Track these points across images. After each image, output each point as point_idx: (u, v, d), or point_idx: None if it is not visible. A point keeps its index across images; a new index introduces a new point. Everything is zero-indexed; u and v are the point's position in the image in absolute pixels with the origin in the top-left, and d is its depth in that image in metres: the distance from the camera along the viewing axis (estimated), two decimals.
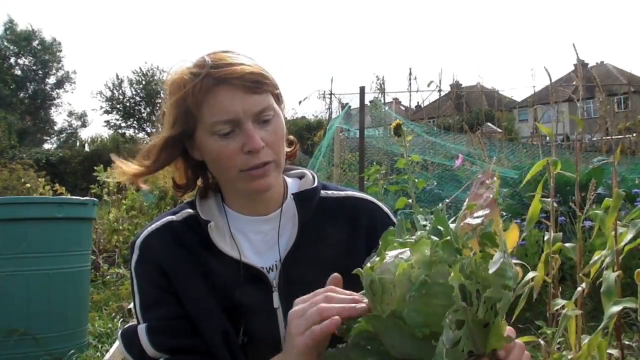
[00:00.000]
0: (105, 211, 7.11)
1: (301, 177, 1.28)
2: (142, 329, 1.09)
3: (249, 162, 1.08)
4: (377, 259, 0.77)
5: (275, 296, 1.14)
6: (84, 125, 43.64)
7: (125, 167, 1.17)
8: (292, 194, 1.20)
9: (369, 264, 0.79)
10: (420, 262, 0.74)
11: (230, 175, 1.12)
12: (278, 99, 1.15)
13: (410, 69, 24.77)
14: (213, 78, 1.06)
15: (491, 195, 0.78)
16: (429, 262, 0.74)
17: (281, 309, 1.13)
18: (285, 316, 1.13)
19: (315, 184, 1.23)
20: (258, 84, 1.08)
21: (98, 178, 6.98)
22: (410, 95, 27.45)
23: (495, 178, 0.80)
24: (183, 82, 1.09)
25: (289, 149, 1.25)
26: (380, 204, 1.26)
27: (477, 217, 0.77)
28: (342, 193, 1.25)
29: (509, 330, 0.80)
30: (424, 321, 0.71)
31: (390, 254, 0.78)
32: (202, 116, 1.08)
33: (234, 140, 1.08)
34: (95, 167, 6.93)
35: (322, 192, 1.23)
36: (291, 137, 1.26)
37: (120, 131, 38.60)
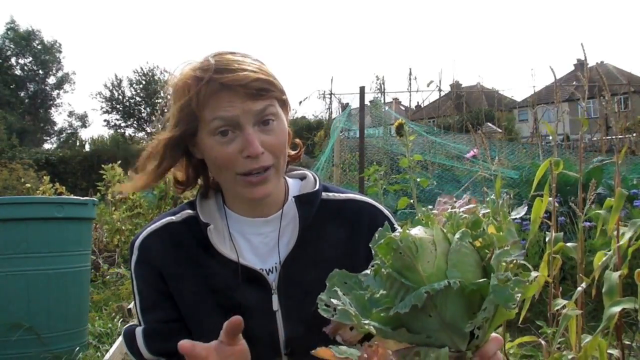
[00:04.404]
0: (107, 211, 7.12)
1: (302, 178, 1.27)
2: (139, 331, 1.13)
3: (247, 166, 1.08)
4: (398, 233, 0.77)
5: (275, 298, 1.14)
6: (84, 125, 43.69)
7: (133, 184, 1.18)
8: (294, 196, 1.19)
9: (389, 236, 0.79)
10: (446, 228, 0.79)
11: (228, 178, 1.11)
12: (284, 104, 1.14)
13: (410, 69, 24.73)
14: (217, 83, 1.05)
15: (467, 198, 0.83)
16: (454, 230, 0.78)
17: (280, 311, 1.13)
18: (284, 318, 1.13)
19: (317, 186, 1.22)
20: (262, 91, 1.07)
21: (104, 177, 7.00)
22: (410, 95, 27.43)
23: (454, 199, 0.85)
24: (187, 86, 1.09)
25: (293, 152, 1.24)
26: (381, 207, 1.25)
27: (470, 206, 0.81)
28: (343, 195, 1.25)
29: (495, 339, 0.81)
30: (460, 277, 0.73)
31: (410, 228, 0.79)
32: (204, 118, 1.08)
33: (233, 142, 1.07)
34: (103, 166, 6.98)
35: (324, 194, 1.22)
36: (297, 140, 1.26)
37: (120, 131, 38.62)
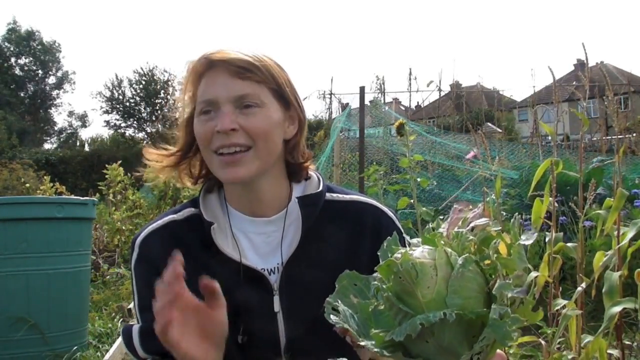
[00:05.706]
0: (107, 211, 7.11)
1: (306, 178, 1.27)
2: (135, 329, 1.13)
3: (217, 141, 1.09)
4: (399, 255, 0.76)
5: (276, 299, 1.13)
6: (84, 125, 43.60)
7: (156, 154, 1.21)
8: (297, 197, 1.18)
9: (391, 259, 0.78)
10: (450, 251, 0.78)
11: (207, 157, 1.14)
12: (279, 96, 1.14)
13: (410, 69, 24.81)
14: (207, 60, 1.11)
15: (482, 208, 0.81)
16: (459, 251, 0.77)
17: (282, 312, 1.13)
18: (285, 319, 1.13)
19: (321, 187, 1.21)
20: (244, 70, 1.09)
21: (107, 176, 7.01)
22: (410, 95, 27.53)
23: (470, 206, 0.84)
24: (188, 70, 1.15)
25: (301, 160, 1.22)
26: (385, 209, 1.24)
27: (481, 221, 0.79)
28: (348, 197, 1.24)
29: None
30: (461, 304, 0.72)
31: (415, 248, 0.78)
32: (198, 98, 1.13)
33: (212, 120, 1.10)
34: (107, 166, 6.99)
35: (328, 194, 1.22)
36: (307, 151, 1.24)
37: (120, 131, 38.55)
